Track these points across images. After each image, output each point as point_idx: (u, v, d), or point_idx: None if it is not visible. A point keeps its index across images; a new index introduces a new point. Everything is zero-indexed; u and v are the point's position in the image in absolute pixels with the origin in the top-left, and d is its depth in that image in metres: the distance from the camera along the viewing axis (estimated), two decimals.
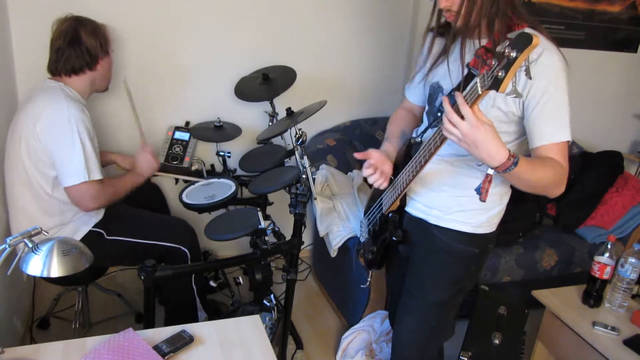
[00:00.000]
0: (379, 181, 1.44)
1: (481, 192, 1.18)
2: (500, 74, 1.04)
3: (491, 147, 1.14)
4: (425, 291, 1.55)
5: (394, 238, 1.56)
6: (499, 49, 1.06)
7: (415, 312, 1.58)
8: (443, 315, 1.59)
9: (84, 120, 1.78)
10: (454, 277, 1.53)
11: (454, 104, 1.15)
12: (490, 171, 1.18)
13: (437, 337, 1.66)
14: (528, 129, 1.30)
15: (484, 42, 1.30)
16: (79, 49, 1.83)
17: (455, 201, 1.45)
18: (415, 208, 1.54)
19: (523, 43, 1.02)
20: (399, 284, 1.66)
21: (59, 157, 1.77)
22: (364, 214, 1.78)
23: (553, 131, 1.27)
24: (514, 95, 1.08)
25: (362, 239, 1.79)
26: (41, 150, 1.77)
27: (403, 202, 1.56)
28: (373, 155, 1.44)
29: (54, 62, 1.86)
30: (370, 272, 1.89)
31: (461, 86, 1.29)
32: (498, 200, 1.47)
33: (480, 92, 1.10)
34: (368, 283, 1.96)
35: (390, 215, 1.57)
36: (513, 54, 1.02)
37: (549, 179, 1.26)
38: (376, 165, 1.44)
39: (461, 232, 1.46)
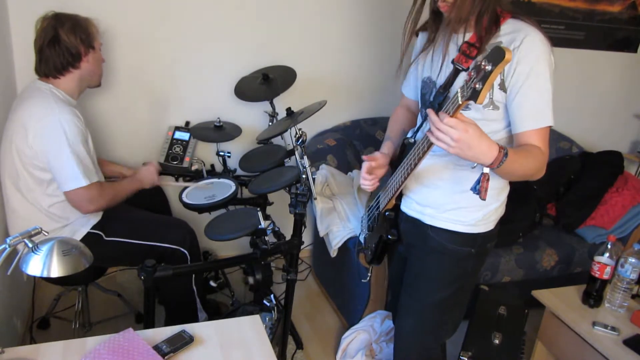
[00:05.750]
0: (370, 187, 1.51)
1: (480, 191, 1.19)
2: (477, 86, 1.08)
3: (482, 145, 1.17)
4: (422, 292, 1.56)
5: (388, 237, 1.58)
6: (478, 59, 1.09)
7: (414, 313, 1.59)
8: (442, 314, 1.58)
9: (76, 124, 1.74)
10: (451, 278, 1.53)
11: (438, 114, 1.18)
12: (486, 169, 1.19)
13: (437, 336, 1.65)
14: (511, 114, 1.32)
15: (468, 36, 1.32)
16: (59, 49, 1.75)
17: (449, 198, 1.45)
18: (410, 207, 1.55)
19: (497, 57, 1.05)
20: (399, 283, 1.67)
21: (53, 163, 1.73)
22: (365, 209, 1.79)
23: (534, 117, 1.29)
24: (491, 107, 1.11)
25: (362, 235, 1.80)
26: (33, 156, 1.73)
27: (399, 200, 1.58)
28: (380, 160, 1.49)
29: (37, 63, 1.80)
30: (371, 267, 1.91)
31: (448, 82, 1.34)
32: (495, 197, 1.46)
33: (460, 102, 1.13)
34: (368, 278, 1.98)
35: (387, 213, 1.58)
36: (488, 68, 1.05)
37: (532, 167, 1.30)
38: (374, 171, 1.49)
39: (456, 232, 1.46)
